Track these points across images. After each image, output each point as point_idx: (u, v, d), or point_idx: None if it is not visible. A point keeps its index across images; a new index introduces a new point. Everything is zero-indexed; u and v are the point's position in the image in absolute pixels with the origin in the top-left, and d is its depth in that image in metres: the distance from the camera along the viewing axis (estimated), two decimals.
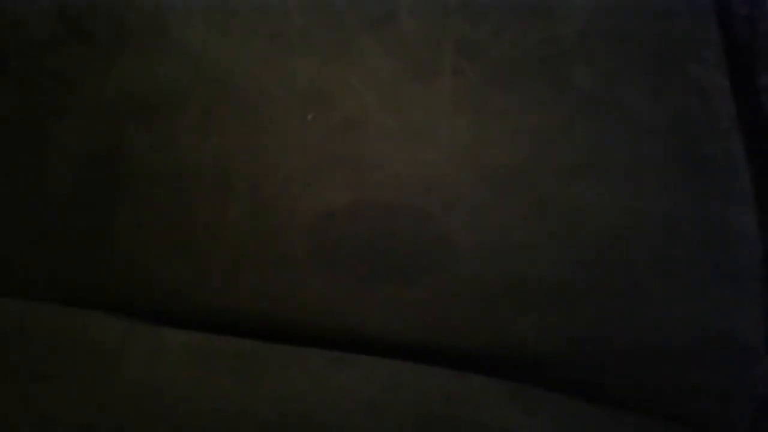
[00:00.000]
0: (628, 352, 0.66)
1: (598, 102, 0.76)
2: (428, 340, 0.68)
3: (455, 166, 0.74)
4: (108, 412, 0.58)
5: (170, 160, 0.75)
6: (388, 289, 0.69)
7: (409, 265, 0.70)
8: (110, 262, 0.70)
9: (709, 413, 0.65)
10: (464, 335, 0.68)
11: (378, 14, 0.80)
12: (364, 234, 0.71)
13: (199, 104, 0.78)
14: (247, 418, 0.59)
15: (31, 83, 0.77)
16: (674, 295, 0.67)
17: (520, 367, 0.66)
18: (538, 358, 0.66)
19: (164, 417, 0.58)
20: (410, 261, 0.70)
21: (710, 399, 0.65)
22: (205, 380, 0.62)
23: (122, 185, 0.73)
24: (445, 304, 0.68)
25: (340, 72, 0.79)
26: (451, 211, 0.72)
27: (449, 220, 0.71)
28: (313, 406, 0.60)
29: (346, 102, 0.78)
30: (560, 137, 0.75)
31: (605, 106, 0.76)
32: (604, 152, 0.74)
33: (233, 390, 0.61)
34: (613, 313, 0.67)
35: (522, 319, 0.67)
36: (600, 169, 0.73)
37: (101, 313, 0.66)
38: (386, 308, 0.69)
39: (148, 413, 0.59)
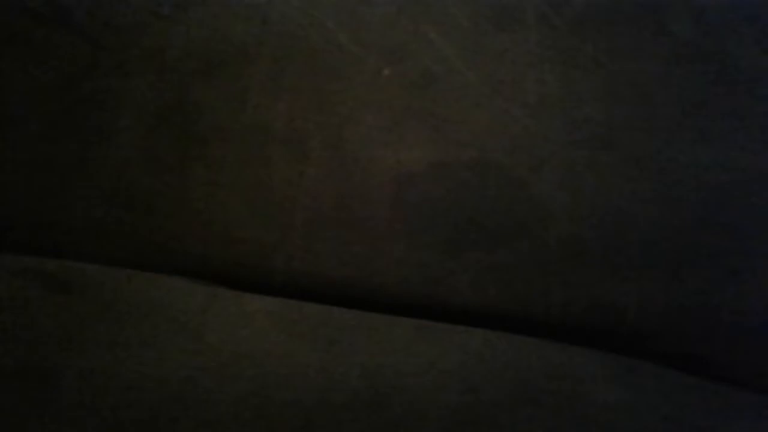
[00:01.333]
0: (736, 322, 0.62)
1: (698, 51, 0.70)
2: (520, 310, 0.64)
3: (544, 123, 0.69)
4: (194, 380, 0.56)
5: (241, 119, 0.72)
6: (475, 254, 0.66)
7: (497, 228, 0.66)
8: (187, 223, 0.67)
9: None
10: (559, 304, 0.64)
11: None
12: (447, 195, 0.67)
13: (269, 60, 0.74)
14: (336, 388, 0.57)
15: (97, 39, 0.74)
16: None
17: (618, 339, 0.62)
18: (638, 328, 0.62)
19: (251, 386, 0.56)
20: (498, 224, 0.66)
21: None
22: (291, 348, 0.59)
23: (193, 144, 0.70)
24: (537, 271, 0.65)
25: (417, 24, 0.74)
26: (540, 171, 0.67)
27: (539, 181, 0.67)
28: (404, 378, 0.57)
29: (424, 56, 0.73)
30: (657, 90, 0.69)
31: (705, 56, 0.70)
32: (705, 106, 0.69)
33: (319, 359, 0.59)
34: (720, 280, 0.63)
35: (621, 287, 0.63)
36: (701, 124, 0.68)
37: (182, 279, 0.64)
38: (474, 275, 0.65)
39: (234, 381, 0.57)
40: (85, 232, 0.67)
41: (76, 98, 0.72)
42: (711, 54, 0.70)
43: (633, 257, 0.64)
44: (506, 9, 0.75)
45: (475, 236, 0.66)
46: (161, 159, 0.70)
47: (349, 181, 0.69)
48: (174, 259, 0.67)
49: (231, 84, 0.73)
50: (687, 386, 0.59)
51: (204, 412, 0.55)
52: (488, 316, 0.64)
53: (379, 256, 0.67)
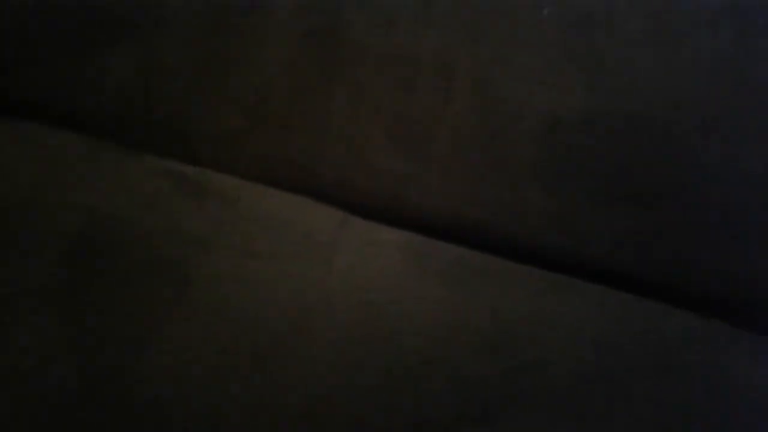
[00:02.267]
0: None
1: None
2: (665, 276, 0.60)
3: (715, 81, 0.63)
4: (320, 299, 0.55)
5: (389, 45, 0.69)
6: (622, 211, 0.61)
7: (651, 187, 0.61)
8: (325, 145, 0.66)
9: None
10: (709, 275, 0.59)
11: None
12: (599, 146, 0.63)
13: None
14: (462, 327, 0.54)
15: None
16: None
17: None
18: None
19: (378, 313, 0.55)
20: (652, 183, 0.61)
21: None
22: (420, 284, 0.58)
23: (338, 66, 0.68)
24: (690, 237, 0.60)
25: None
26: (708, 133, 0.62)
27: (705, 143, 0.61)
28: (534, 328, 0.55)
29: None
30: None
31: None
32: None
33: (448, 297, 0.57)
34: None
35: None
36: None
37: (315, 201, 0.63)
38: (620, 233, 0.61)
39: (357, 308, 0.56)
40: (224, 143, 0.66)
41: (228, 12, 0.72)
42: None
43: None
44: None
45: (625, 193, 0.62)
46: (305, 79, 0.68)
47: (495, 119, 0.66)
48: (308, 180, 0.65)
49: (382, 9, 0.70)
50: None
51: (330, 332, 0.54)
52: (627, 279, 0.60)
53: (519, 202, 0.63)
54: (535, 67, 0.67)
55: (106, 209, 0.58)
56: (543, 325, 0.55)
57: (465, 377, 0.52)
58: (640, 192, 0.62)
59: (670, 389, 0.53)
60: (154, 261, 0.56)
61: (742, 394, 0.53)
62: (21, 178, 0.59)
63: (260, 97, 0.68)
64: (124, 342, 0.52)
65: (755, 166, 0.60)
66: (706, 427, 0.51)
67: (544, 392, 0.51)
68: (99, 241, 0.56)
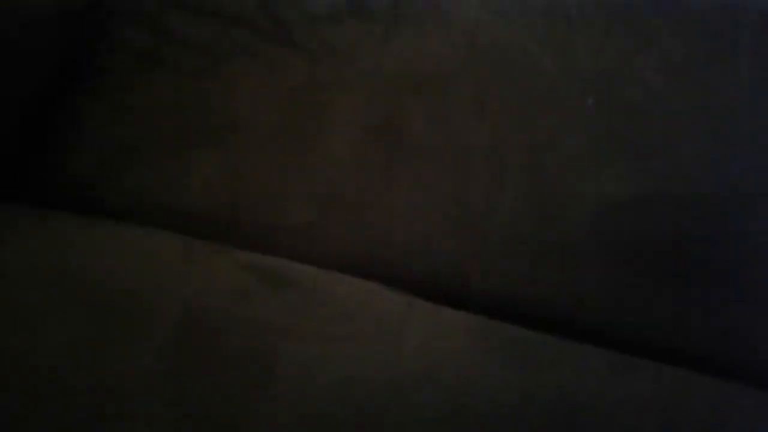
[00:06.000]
0: None
1: None
2: (719, 354, 0.63)
3: (758, 157, 0.67)
4: (396, 383, 0.60)
5: (444, 136, 0.75)
6: (675, 290, 0.65)
7: (703, 264, 0.65)
8: (390, 230, 0.72)
9: None
10: (759, 350, 0.62)
11: None
12: (650, 227, 0.67)
13: (474, 81, 0.77)
14: (531, 405, 0.58)
15: (315, 56, 0.81)
16: None
17: None
18: None
19: (449, 395, 0.59)
20: (704, 260, 0.65)
21: None
22: (487, 363, 0.62)
23: (399, 157, 0.75)
24: (741, 315, 0.63)
25: (624, 53, 0.74)
26: (754, 211, 0.65)
27: (752, 220, 0.65)
28: (601, 405, 0.58)
29: (630, 84, 0.73)
30: None
31: None
32: None
33: (516, 376, 0.61)
34: None
35: None
36: None
37: (383, 287, 0.69)
38: (673, 312, 0.65)
39: (433, 388, 0.60)
40: (300, 235, 0.73)
41: (295, 108, 0.79)
42: None
43: None
44: (718, 38, 0.73)
45: (678, 270, 0.65)
46: (370, 169, 0.75)
47: (548, 205, 0.71)
48: (377, 265, 0.71)
49: (437, 103, 0.77)
50: None
51: (405, 414, 0.59)
52: (681, 356, 0.63)
53: (575, 281, 0.68)
54: (584, 153, 0.72)
55: (201, 303, 0.65)
56: (609, 404, 0.59)
57: None
58: (693, 268, 0.65)
59: None
60: (244, 348, 0.62)
61: None
62: (124, 277, 0.67)
63: (330, 191, 0.74)
64: (221, 426, 0.58)
65: None
66: None
67: None
68: (196, 333, 0.63)
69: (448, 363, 0.62)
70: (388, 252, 0.72)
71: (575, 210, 0.69)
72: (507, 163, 0.73)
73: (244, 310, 0.65)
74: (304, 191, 0.75)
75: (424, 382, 0.61)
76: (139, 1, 0.83)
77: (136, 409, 0.59)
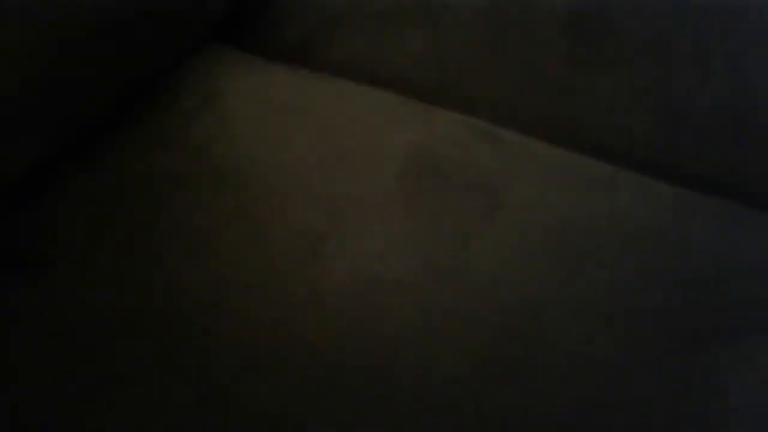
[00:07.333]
0: None
1: None
2: None
3: None
4: (612, 228, 0.64)
5: (649, 32, 0.79)
6: None
7: None
8: (585, 114, 0.76)
9: None
10: None
11: None
12: None
13: None
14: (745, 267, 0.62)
15: None
16: None
17: None
18: None
19: (665, 250, 0.63)
20: None
21: None
22: (695, 226, 0.65)
23: (600, 48, 0.79)
24: None
25: None
26: None
27: None
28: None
29: None
30: None
31: None
32: None
33: (728, 240, 0.64)
34: None
35: None
36: None
37: (587, 157, 0.72)
38: None
39: (649, 239, 0.64)
40: (499, 106, 0.77)
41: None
42: None
43: None
44: None
45: None
46: (574, 56, 0.79)
47: (748, 99, 0.74)
48: (572, 141, 0.75)
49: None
50: None
51: (624, 254, 0.63)
52: None
53: None
54: None
55: (422, 144, 0.69)
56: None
57: None
58: None
59: None
60: (469, 184, 0.66)
61: None
62: (348, 120, 0.72)
63: (533, 74, 0.79)
64: (454, 239, 0.62)
65: None
66: None
67: None
68: (424, 167, 0.67)
69: (655, 219, 0.66)
70: (582, 130, 0.75)
71: None
72: (708, 61, 0.77)
73: (464, 154, 0.69)
74: (506, 71, 0.79)
75: (640, 232, 0.64)
76: None
77: (374, 218, 0.63)
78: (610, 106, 0.77)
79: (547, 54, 0.79)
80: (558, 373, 0.55)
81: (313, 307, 0.57)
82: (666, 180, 0.70)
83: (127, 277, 0.58)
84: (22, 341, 0.55)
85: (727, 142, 0.73)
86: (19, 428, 0.52)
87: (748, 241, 0.65)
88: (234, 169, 0.66)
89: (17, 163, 0.60)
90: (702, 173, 0.73)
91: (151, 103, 0.72)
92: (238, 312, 0.56)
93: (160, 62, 0.74)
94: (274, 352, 0.55)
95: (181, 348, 0.55)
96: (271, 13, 0.84)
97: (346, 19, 0.83)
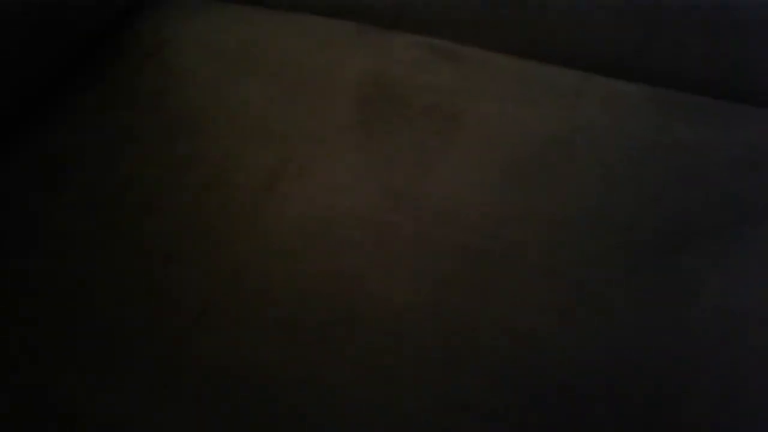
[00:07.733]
0: None
1: None
2: None
3: None
4: (570, 138, 0.61)
5: None
6: None
7: None
8: (554, 28, 0.72)
9: None
10: None
11: None
12: None
13: None
14: (718, 158, 0.59)
15: None
16: None
17: None
18: None
19: (624, 151, 0.60)
20: None
21: None
22: (663, 122, 0.62)
23: None
24: None
25: None
26: None
27: None
28: None
29: None
30: None
31: None
32: None
33: (697, 133, 0.61)
34: None
35: None
36: None
37: (554, 66, 0.69)
38: None
39: (606, 142, 0.61)
40: (461, 26, 0.74)
41: None
42: None
43: None
44: None
45: None
46: None
47: None
48: (539, 54, 0.72)
49: None
50: None
51: (577, 164, 0.60)
52: None
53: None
54: None
55: (382, 71, 0.67)
56: None
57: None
58: None
59: None
60: (427, 105, 0.64)
61: None
62: (303, 53, 0.70)
63: None
64: (413, 166, 0.60)
65: None
66: None
67: None
68: (381, 93, 0.65)
69: (626, 122, 0.63)
70: (550, 45, 0.72)
71: None
72: None
73: (423, 76, 0.67)
74: None
75: (607, 140, 0.62)
76: None
77: (330, 151, 0.62)
78: (578, 14, 0.73)
79: None
80: (519, 286, 0.53)
81: (267, 252, 0.56)
82: (639, 81, 0.67)
83: (83, 234, 0.58)
84: None
85: (700, 38, 0.69)
86: None
87: (727, 135, 0.62)
88: (186, 116, 0.65)
89: None
90: (675, 70, 0.69)
91: (103, 57, 0.71)
92: (194, 263, 0.56)
93: (107, 14, 0.73)
94: (232, 301, 0.54)
95: (138, 299, 0.55)
96: None
97: None
